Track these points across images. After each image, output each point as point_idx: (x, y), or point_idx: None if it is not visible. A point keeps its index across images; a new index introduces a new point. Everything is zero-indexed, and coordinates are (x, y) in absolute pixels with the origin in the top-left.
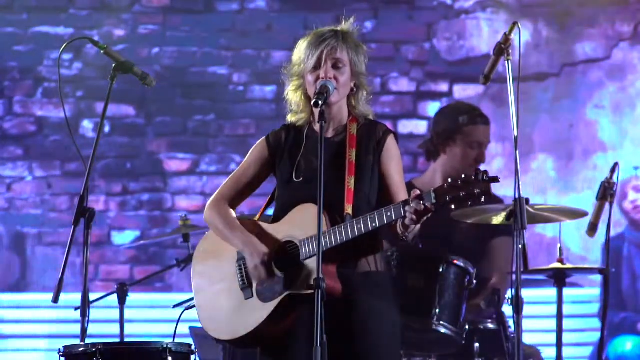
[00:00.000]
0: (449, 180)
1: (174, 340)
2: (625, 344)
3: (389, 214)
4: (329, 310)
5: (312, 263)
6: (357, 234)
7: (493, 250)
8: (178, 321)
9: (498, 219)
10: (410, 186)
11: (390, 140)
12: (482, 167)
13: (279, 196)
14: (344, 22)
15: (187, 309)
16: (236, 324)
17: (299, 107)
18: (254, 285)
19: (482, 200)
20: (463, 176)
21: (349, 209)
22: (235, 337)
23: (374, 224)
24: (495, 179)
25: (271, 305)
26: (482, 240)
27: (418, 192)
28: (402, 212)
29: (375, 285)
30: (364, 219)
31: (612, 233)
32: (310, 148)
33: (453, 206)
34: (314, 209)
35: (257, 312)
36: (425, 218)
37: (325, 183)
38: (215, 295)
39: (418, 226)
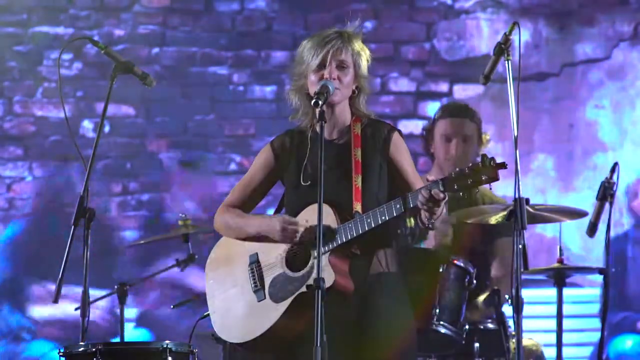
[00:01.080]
0: (457, 169)
1: (189, 342)
2: (625, 342)
3: (397, 206)
4: (344, 310)
5: (324, 260)
6: (367, 228)
7: (498, 250)
8: (194, 328)
9: (498, 219)
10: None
11: (396, 137)
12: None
13: (288, 201)
14: (348, 24)
15: (201, 317)
16: (250, 326)
17: (301, 107)
18: (266, 286)
19: (490, 186)
20: (470, 164)
21: (357, 207)
22: (250, 339)
23: (383, 217)
24: (503, 165)
25: (284, 305)
26: (486, 240)
27: (431, 178)
28: (410, 202)
29: (388, 286)
30: (373, 213)
31: (613, 233)
32: (315, 151)
33: (461, 194)
34: (322, 208)
35: (271, 312)
36: (439, 207)
37: (333, 184)
38: (229, 300)
39: (445, 212)
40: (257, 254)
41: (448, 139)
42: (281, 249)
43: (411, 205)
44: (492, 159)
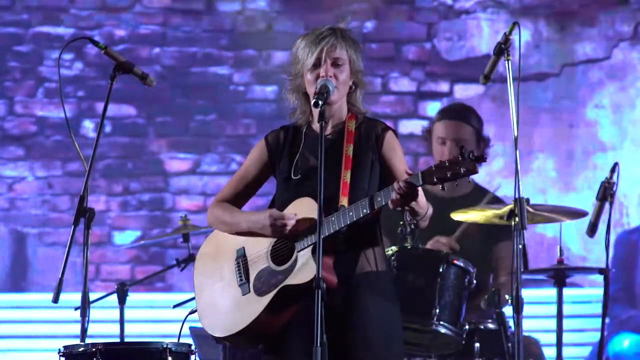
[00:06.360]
0: (437, 161)
1: (178, 340)
2: (623, 341)
3: (379, 199)
4: (327, 309)
5: (307, 254)
6: (349, 221)
7: (500, 250)
8: (183, 323)
9: (498, 219)
10: None
11: (390, 135)
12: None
13: (278, 194)
14: (342, 21)
15: (192, 312)
16: (233, 320)
17: (298, 106)
18: (252, 280)
19: (469, 179)
20: (450, 157)
21: (344, 201)
22: (233, 333)
23: (364, 210)
24: (482, 158)
25: (267, 298)
26: (487, 240)
27: (409, 172)
28: (392, 196)
29: (376, 284)
30: (355, 206)
31: (625, 228)
32: (308, 146)
33: (441, 186)
34: (308, 201)
35: (254, 305)
36: (411, 200)
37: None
38: (215, 293)
39: (429, 211)
40: (244, 247)
41: (443, 142)
42: (267, 242)
43: (392, 198)
44: (471, 151)
